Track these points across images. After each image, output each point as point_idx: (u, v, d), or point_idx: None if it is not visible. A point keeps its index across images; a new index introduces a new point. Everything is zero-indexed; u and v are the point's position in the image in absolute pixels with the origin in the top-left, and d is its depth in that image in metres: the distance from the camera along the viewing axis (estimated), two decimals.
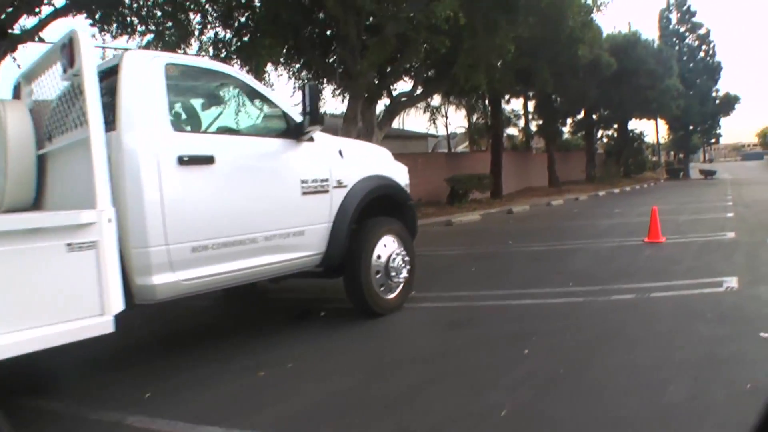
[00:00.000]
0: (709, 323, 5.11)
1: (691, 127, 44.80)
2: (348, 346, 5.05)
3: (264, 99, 5.42)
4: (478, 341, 5.00)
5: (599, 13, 17.98)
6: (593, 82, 27.79)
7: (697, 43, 44.02)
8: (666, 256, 8.82)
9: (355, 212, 5.56)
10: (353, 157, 5.84)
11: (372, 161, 6.20)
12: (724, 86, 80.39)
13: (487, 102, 25.39)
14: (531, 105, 32.71)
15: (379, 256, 5.75)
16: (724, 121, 48.83)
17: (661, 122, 45.59)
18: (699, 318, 5.29)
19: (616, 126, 39.90)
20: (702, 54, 43.78)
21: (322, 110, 5.55)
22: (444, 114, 27.25)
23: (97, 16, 14.73)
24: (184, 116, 5.26)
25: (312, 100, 5.03)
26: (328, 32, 17.94)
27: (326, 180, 5.37)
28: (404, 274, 5.96)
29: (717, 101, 43.78)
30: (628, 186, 32.77)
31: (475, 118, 29.71)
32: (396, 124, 30.92)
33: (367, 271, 5.60)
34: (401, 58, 17.48)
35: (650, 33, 77.78)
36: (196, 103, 5.52)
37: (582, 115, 35.42)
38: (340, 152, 5.63)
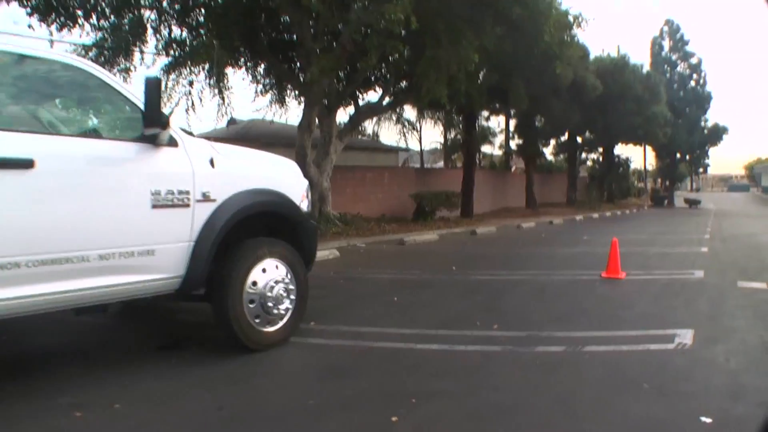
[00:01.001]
0: (642, 397, 3.91)
1: (678, 156, 44.00)
2: (197, 391, 4.13)
3: (118, 96, 4.43)
4: (349, 398, 3.99)
5: (579, 29, 16.85)
6: (577, 104, 26.78)
7: (688, 71, 43.33)
8: (619, 297, 7.61)
9: (222, 231, 4.71)
10: (229, 167, 4.97)
11: (258, 172, 5.32)
12: (713, 116, 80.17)
13: (461, 117, 24.20)
14: (512, 123, 31.64)
15: (254, 283, 4.86)
16: (712, 152, 48.05)
17: (649, 149, 44.76)
18: (632, 388, 4.09)
19: (601, 150, 38.90)
20: (693, 83, 43.08)
21: (165, 109, 4.62)
22: (416, 128, 26.10)
23: (32, 4, 13.50)
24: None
25: (150, 96, 4.21)
26: (287, 36, 16.81)
27: (187, 192, 4.54)
28: (286, 305, 5.05)
29: (705, 131, 43.04)
30: (609, 212, 31.72)
31: (452, 134, 28.56)
32: (366, 136, 29.96)
33: (236, 300, 4.73)
34: (360, 66, 16.35)
35: (642, 60, 77.73)
36: (21, 96, 4.38)
37: (566, 137, 34.40)
38: (212, 161, 4.78)
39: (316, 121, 16.56)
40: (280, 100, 19.00)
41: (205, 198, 4.64)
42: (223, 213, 4.72)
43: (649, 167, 54.03)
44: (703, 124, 43.03)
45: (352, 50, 13.67)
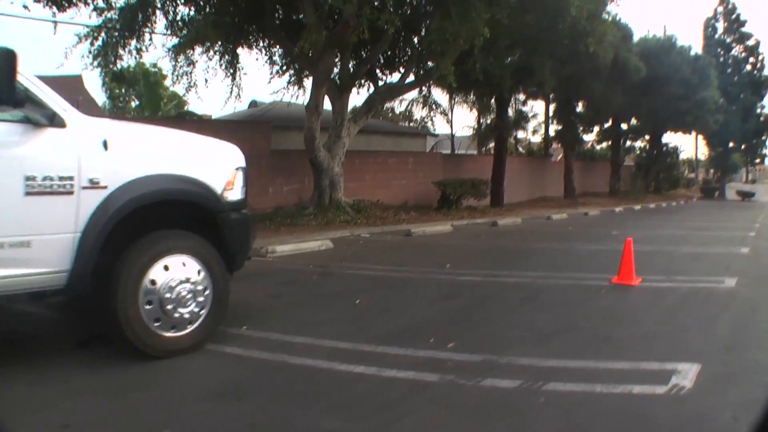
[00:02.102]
0: None
1: (731, 144, 41.02)
2: (68, 400, 3.60)
3: None
4: (225, 427, 3.37)
5: (614, 4, 15.18)
6: (619, 87, 24.82)
7: (743, 54, 40.18)
8: (622, 311, 6.24)
9: (111, 221, 4.17)
10: (127, 150, 4.37)
11: (166, 155, 4.62)
12: None
13: (493, 101, 22.63)
14: (552, 108, 29.75)
15: (153, 282, 4.30)
16: None
17: (700, 137, 41.98)
18: None
19: (647, 137, 36.52)
20: (749, 67, 39.94)
21: (24, 86, 3.92)
22: (444, 112, 24.57)
23: None
24: None
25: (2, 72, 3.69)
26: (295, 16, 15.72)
27: (70, 178, 4.05)
28: (192, 307, 4.44)
29: (762, 118, 39.89)
30: (654, 203, 29.64)
31: (487, 119, 26.93)
32: (398, 121, 28.59)
33: (129, 300, 4.19)
34: (376, 45, 15.14)
35: (694, 43, 73.59)
36: None
37: (609, 123, 32.28)
38: (105, 143, 4.21)
39: (325, 102, 15.43)
40: (298, 82, 17.94)
41: (94, 185, 4.11)
42: (114, 201, 4.17)
43: (702, 157, 50.92)
44: (759, 110, 39.88)
45: (355, 26, 12.41)
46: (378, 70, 18.53)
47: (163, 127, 5.28)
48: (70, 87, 23.83)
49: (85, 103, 22.06)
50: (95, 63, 15.17)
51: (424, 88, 18.89)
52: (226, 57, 16.81)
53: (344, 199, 16.23)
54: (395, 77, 18.22)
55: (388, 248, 11.46)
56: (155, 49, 15.90)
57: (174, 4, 15.24)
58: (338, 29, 12.99)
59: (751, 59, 40.06)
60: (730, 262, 9.47)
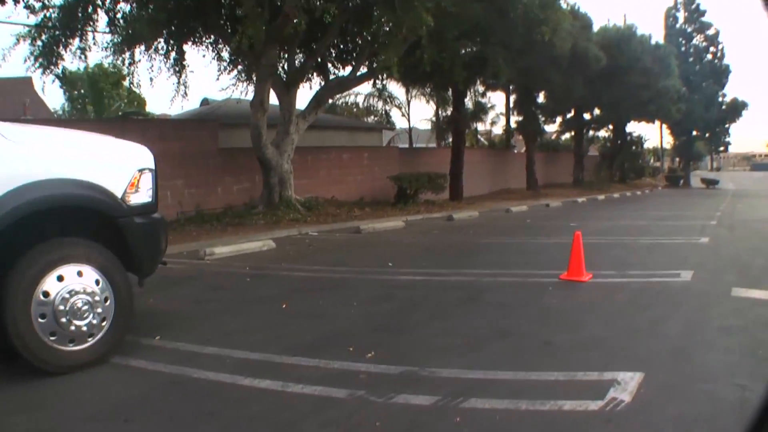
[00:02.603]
0: None
1: (694, 133, 41.26)
2: None
3: None
4: None
5: None
6: (580, 77, 24.55)
7: (704, 43, 40.40)
8: (566, 312, 5.71)
9: None
10: (10, 154, 4.04)
11: (57, 159, 4.28)
12: (732, 91, 75.54)
13: (450, 93, 22.12)
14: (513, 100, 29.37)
15: (46, 294, 4.03)
16: (733, 129, 44.87)
17: (665, 126, 42.17)
18: None
19: (611, 127, 36.46)
20: (709, 56, 40.17)
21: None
22: (396, 104, 23.97)
23: None
24: None
25: None
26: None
27: None
28: (90, 319, 4.17)
29: (723, 106, 40.16)
30: (618, 193, 29.55)
31: (446, 111, 26.43)
32: (354, 115, 27.92)
33: (20, 313, 3.92)
34: (322, 38, 14.53)
35: (656, 33, 74.18)
36: None
37: (572, 114, 32.09)
38: None
39: (271, 97, 14.78)
40: (247, 78, 17.20)
41: None
42: None
43: (667, 146, 51.27)
44: (721, 99, 40.13)
45: (295, 18, 11.74)
46: (330, 64, 17.91)
47: (67, 128, 4.92)
48: (18, 90, 22.73)
49: (32, 107, 20.89)
50: (36, 64, 14.32)
51: (377, 81, 18.28)
52: (173, 55, 16.05)
53: (295, 196, 15.61)
54: (348, 71, 17.60)
55: (333, 247, 10.89)
56: (99, 49, 14.86)
57: (113, 1, 14.40)
58: (278, 22, 12.31)
59: (712, 48, 40.31)
60: (689, 254, 9.07)
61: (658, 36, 46.32)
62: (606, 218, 15.67)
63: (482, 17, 13.93)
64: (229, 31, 14.74)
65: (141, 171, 4.66)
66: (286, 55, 15.76)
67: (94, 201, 4.33)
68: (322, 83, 17.26)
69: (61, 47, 14.03)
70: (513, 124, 30.19)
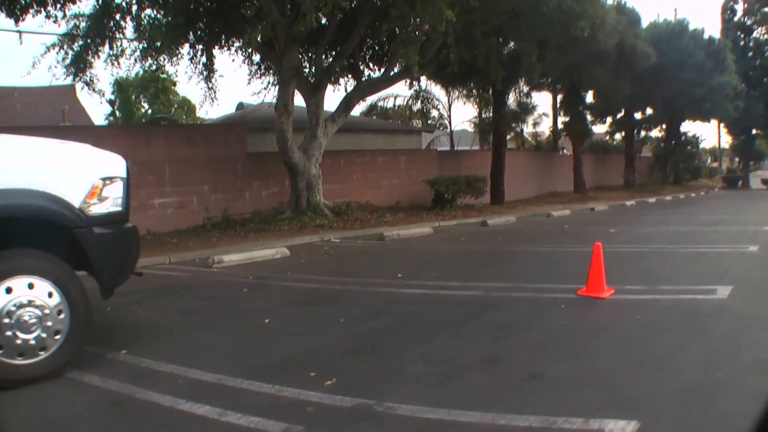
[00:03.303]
0: None
1: (754, 131, 38.81)
2: None
3: None
4: None
5: None
6: (627, 75, 23.25)
7: (766, 36, 37.95)
8: (572, 337, 4.94)
9: None
10: None
11: (6, 167, 4.07)
12: None
13: (490, 94, 21.22)
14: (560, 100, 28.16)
15: None
16: None
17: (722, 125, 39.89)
18: None
19: (664, 127, 34.64)
20: None
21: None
22: (434, 106, 23.15)
23: None
24: None
25: None
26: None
27: None
28: (39, 332, 4.01)
29: None
30: (671, 195, 27.93)
31: (489, 112, 25.45)
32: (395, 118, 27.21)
33: None
34: (348, 38, 14.03)
35: (712, 29, 70.41)
36: None
37: (622, 113, 30.57)
38: None
39: (296, 100, 14.37)
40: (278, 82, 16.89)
41: None
42: None
43: (726, 145, 48.56)
44: None
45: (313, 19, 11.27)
46: (362, 66, 17.39)
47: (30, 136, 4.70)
48: (60, 97, 23.02)
49: (72, 114, 21.07)
50: (68, 72, 14.37)
51: (413, 82, 17.62)
52: (202, 59, 15.90)
53: (324, 201, 15.16)
54: (382, 72, 17.04)
55: (350, 255, 10.35)
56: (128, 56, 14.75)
57: (140, 7, 14.27)
58: (297, 23, 11.85)
59: None
60: (732, 264, 8.07)
61: (713, 30, 43.92)
62: (650, 223, 14.57)
63: (512, 12, 13.07)
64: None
65: (106, 180, 4.48)
66: (314, 57, 15.32)
67: (46, 211, 4.14)
68: (355, 85, 16.75)
69: (90, 55, 13.97)
70: (560, 126, 28.94)
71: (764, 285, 6.68)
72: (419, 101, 21.18)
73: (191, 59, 15.39)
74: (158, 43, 13.22)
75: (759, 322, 5.14)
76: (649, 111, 32.09)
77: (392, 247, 11.13)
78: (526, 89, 24.64)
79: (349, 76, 17.16)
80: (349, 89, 16.65)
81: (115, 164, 4.66)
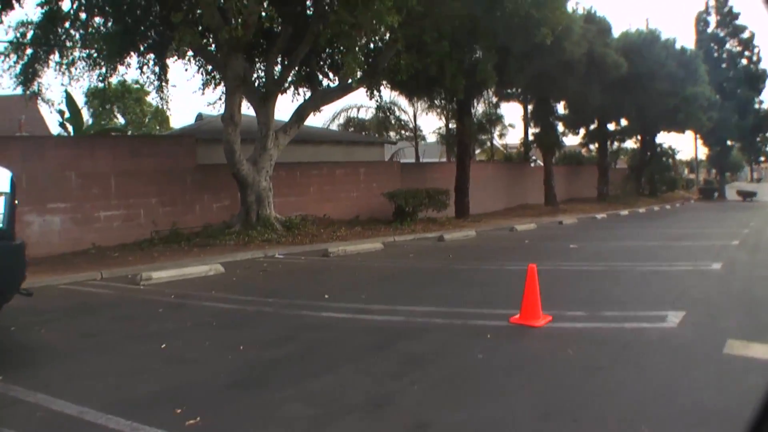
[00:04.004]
0: None
1: (729, 143, 38.68)
2: None
3: None
4: None
5: None
6: (597, 85, 22.77)
7: (738, 48, 37.90)
8: (483, 375, 4.21)
9: None
10: None
11: None
12: None
13: (454, 104, 20.56)
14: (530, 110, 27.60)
15: None
16: None
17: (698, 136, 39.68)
18: None
19: (639, 138, 34.29)
20: (744, 61, 37.65)
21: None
22: (392, 115, 22.41)
23: None
24: None
25: None
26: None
27: None
28: None
29: (760, 113, 37.54)
30: (645, 207, 27.55)
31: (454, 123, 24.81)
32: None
33: None
34: (298, 47, 13.35)
35: (686, 40, 70.86)
36: None
37: (596, 124, 30.13)
38: None
39: (242, 111, 13.64)
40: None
41: None
42: None
43: (703, 156, 48.46)
44: (757, 106, 37.52)
45: (253, 26, 10.56)
46: (320, 75, 16.68)
47: None
48: (20, 106, 21.94)
49: (31, 123, 19.93)
50: (17, 82, 13.51)
51: (375, 91, 16.90)
52: (155, 69, 15.11)
53: (275, 215, 14.38)
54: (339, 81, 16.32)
55: (286, 272, 9.62)
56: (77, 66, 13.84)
57: (88, 15, 13.44)
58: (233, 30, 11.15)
59: (747, 53, 37.76)
60: (691, 285, 7.39)
61: (687, 42, 43.96)
62: (616, 238, 13.95)
63: (466, 17, 12.42)
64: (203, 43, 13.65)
65: None
66: (264, 66, 14.60)
67: None
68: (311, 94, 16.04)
69: (38, 64, 13.11)
70: (531, 137, 28.40)
71: (720, 310, 5.99)
72: (380, 112, 20.37)
73: (140, 68, 14.53)
74: (103, 53, 12.41)
75: (706, 355, 4.46)
76: (624, 122, 31.72)
77: (334, 264, 10.37)
78: (494, 99, 24.07)
79: (306, 86, 16.42)
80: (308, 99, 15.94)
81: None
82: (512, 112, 76.31)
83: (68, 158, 12.65)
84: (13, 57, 12.62)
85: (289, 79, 14.90)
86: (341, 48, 11.34)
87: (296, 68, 15.16)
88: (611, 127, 31.51)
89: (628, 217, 22.64)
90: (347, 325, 5.83)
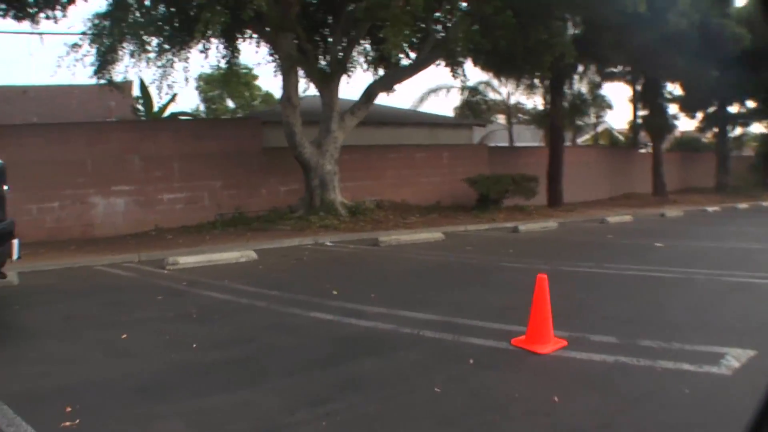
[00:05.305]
0: None
1: None
2: None
3: None
4: None
5: None
6: (713, 61, 19.86)
7: None
8: (429, 420, 3.07)
9: None
10: None
11: None
12: None
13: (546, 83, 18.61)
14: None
15: None
16: None
17: None
18: None
19: None
20: None
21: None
22: (484, 97, 20.64)
23: None
24: None
25: None
26: None
27: None
28: None
29: None
30: None
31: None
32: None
33: None
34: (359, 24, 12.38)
35: None
36: None
37: (716, 107, 26.67)
38: None
39: (300, 92, 12.94)
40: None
41: None
42: None
43: None
44: None
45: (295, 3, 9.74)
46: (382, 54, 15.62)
47: None
48: (114, 93, 22.66)
49: (119, 109, 20.37)
50: (92, 71, 13.61)
51: (455, 70, 15.57)
52: (226, 53, 14.75)
53: (340, 199, 13.61)
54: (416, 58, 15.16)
55: (318, 263, 8.87)
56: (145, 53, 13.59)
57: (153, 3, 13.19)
58: (281, 8, 10.36)
59: None
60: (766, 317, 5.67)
61: None
62: (717, 236, 11.81)
63: None
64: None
65: None
66: (331, 45, 13.76)
67: None
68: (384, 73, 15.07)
69: (109, 54, 13.05)
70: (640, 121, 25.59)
71: None
72: (465, 92, 18.94)
73: (205, 51, 14.10)
74: (167, 37, 12.08)
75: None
76: (751, 104, 27.84)
77: (377, 255, 9.43)
78: (598, 79, 21.81)
79: (382, 65, 15.43)
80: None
81: None
82: (620, 93, 70.93)
83: (132, 142, 12.59)
84: (85, 47, 12.52)
85: (355, 57, 13.97)
86: (384, 22, 10.20)
87: (371, 47, 14.24)
88: (734, 109, 27.77)
89: (746, 211, 19.66)
90: (323, 329, 4.97)
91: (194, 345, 4.54)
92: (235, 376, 3.81)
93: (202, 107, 39.93)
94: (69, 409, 3.29)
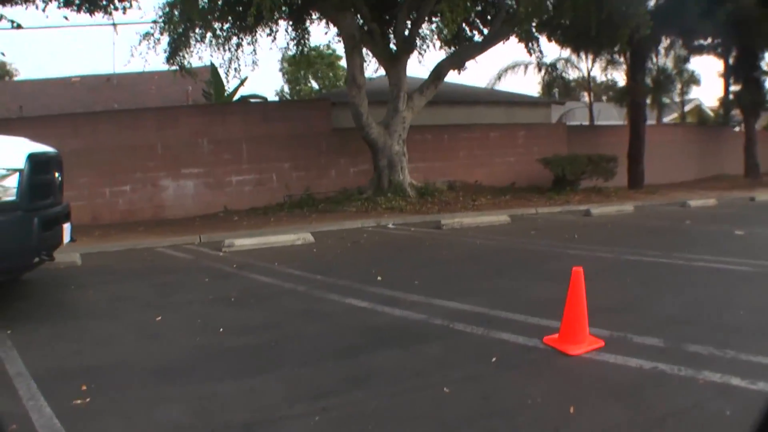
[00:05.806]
0: None
1: None
2: None
3: None
4: None
5: None
6: None
7: None
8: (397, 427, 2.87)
9: None
10: None
11: None
12: None
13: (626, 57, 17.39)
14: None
15: None
16: None
17: None
18: None
19: None
20: None
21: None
22: (560, 74, 19.52)
23: None
24: None
25: None
26: None
27: None
28: None
29: None
30: None
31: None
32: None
33: None
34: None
35: None
36: None
37: None
38: None
39: (365, 71, 12.78)
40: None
41: None
42: None
43: None
44: None
45: None
46: (468, 28, 15.09)
47: None
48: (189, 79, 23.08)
49: (195, 93, 20.81)
50: (164, 57, 14.01)
51: (530, 46, 14.88)
52: (294, 35, 14.70)
53: (409, 180, 13.40)
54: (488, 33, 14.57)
55: (373, 246, 8.79)
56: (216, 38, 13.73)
57: None
58: None
59: None
60: None
61: None
62: None
63: None
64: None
65: None
66: (394, 24, 13.42)
67: None
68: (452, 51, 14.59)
69: (181, 39, 13.33)
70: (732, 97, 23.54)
71: None
72: (543, 69, 18.04)
73: (272, 35, 14.06)
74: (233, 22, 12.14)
75: None
76: None
77: (436, 238, 9.19)
78: (684, 53, 20.18)
79: (454, 43, 14.95)
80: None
81: (14, 158, 4.65)
82: (711, 67, 65.23)
83: (200, 125, 12.86)
84: (156, 35, 12.75)
85: (427, 35, 13.57)
86: None
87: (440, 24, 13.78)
88: None
89: None
90: (353, 317, 4.86)
91: (221, 329, 4.55)
92: (249, 363, 3.77)
93: (286, 88, 40.62)
94: (84, 387, 3.39)
